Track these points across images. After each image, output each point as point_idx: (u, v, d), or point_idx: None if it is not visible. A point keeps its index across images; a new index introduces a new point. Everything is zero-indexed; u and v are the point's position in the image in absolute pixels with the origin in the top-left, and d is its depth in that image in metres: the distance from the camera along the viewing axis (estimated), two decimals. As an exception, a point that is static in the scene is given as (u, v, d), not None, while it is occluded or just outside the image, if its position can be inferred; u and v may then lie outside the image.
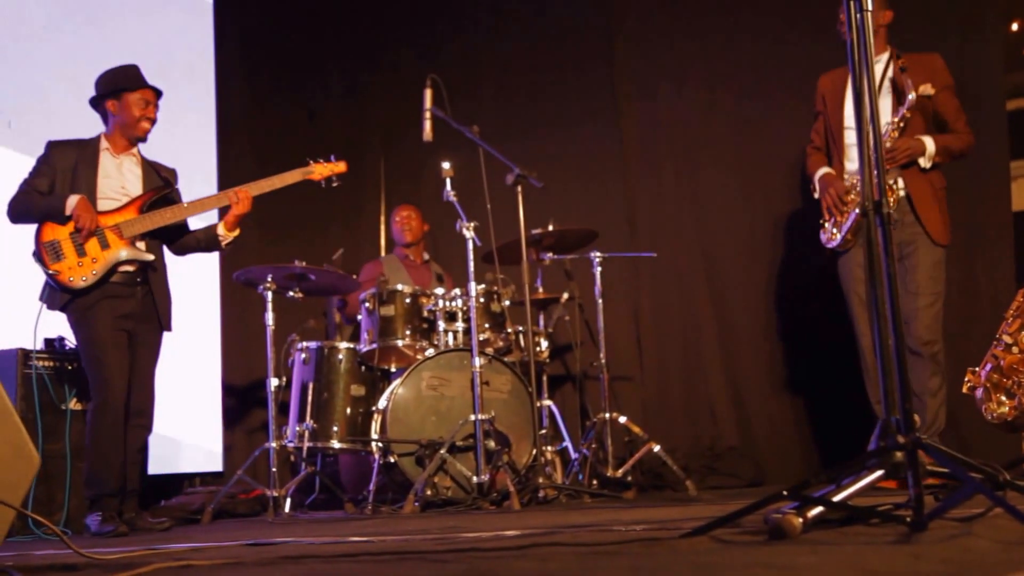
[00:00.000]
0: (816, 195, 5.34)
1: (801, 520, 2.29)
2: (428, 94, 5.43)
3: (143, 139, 5.15)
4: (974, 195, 5.86)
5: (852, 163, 5.11)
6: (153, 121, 5.15)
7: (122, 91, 5.11)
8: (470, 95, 6.89)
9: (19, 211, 4.93)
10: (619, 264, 6.39)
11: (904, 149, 5.00)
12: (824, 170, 5.29)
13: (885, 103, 5.06)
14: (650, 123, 6.95)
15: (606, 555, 2.16)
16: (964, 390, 4.54)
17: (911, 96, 4.91)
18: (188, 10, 7.72)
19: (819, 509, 2.37)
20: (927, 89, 4.92)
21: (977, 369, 4.41)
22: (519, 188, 5.54)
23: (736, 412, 6.53)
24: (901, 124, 5.00)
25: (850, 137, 5.16)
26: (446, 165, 5.39)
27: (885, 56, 5.08)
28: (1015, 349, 4.29)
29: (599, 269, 5.87)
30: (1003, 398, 4.28)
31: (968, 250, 5.85)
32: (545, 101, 7.28)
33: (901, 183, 4.97)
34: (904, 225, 5.00)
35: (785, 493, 2.47)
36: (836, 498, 2.40)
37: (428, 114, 5.41)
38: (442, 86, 5.45)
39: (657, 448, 5.47)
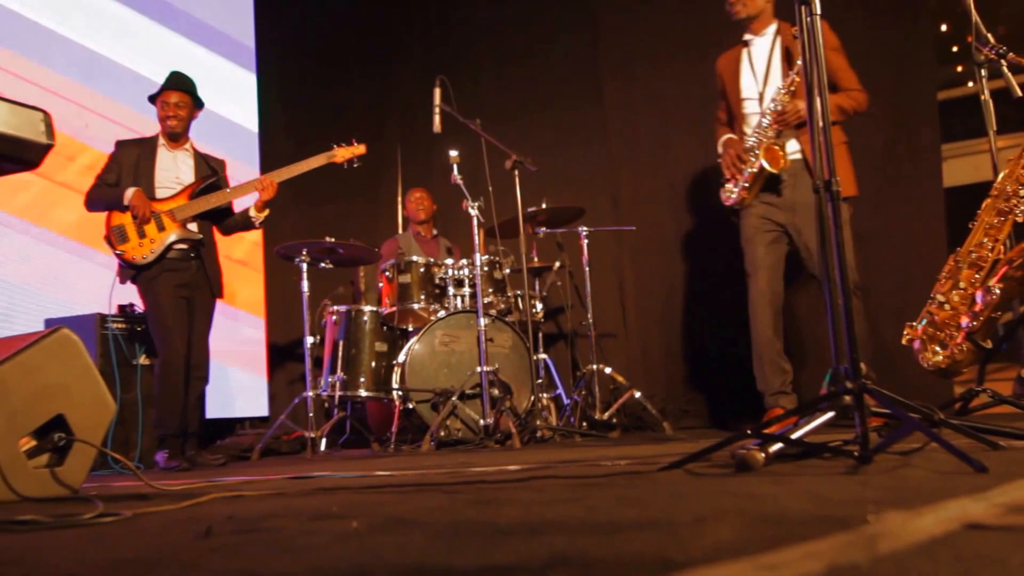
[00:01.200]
0: (719, 159, 5.04)
1: (763, 455, 2.30)
2: (437, 92, 5.43)
3: (176, 135, 5.16)
4: (910, 174, 5.84)
5: (750, 128, 4.83)
6: (178, 119, 5.14)
7: (157, 95, 5.17)
8: (472, 88, 6.87)
9: (92, 201, 5.04)
10: (603, 236, 6.38)
11: (793, 111, 4.64)
12: (727, 136, 5.00)
13: (777, 72, 4.81)
14: (630, 110, 6.93)
15: (595, 486, 2.16)
16: (903, 342, 4.53)
17: (799, 62, 4.53)
18: (231, 12, 7.68)
19: (779, 445, 2.38)
20: None
21: (914, 323, 4.39)
22: (516, 172, 5.58)
23: (705, 362, 6.53)
24: (792, 88, 4.67)
25: (747, 107, 4.90)
26: (453, 153, 5.38)
27: (773, 27, 4.89)
28: (947, 306, 4.28)
29: (586, 241, 5.88)
30: (938, 348, 4.27)
31: (906, 221, 5.83)
32: (538, 93, 7.26)
33: (794, 146, 4.75)
34: (799, 187, 4.71)
35: (749, 432, 2.48)
36: (793, 436, 2.40)
37: (437, 109, 5.41)
38: (449, 85, 5.44)
39: (638, 395, 5.47)
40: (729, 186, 4.92)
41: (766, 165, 4.68)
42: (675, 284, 6.69)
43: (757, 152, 4.72)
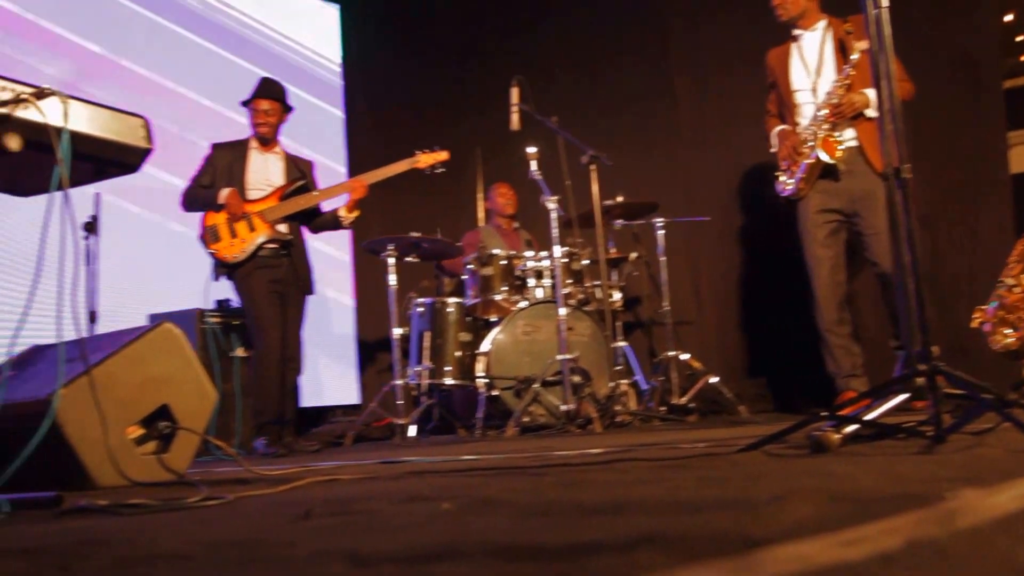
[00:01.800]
0: (773, 149, 5.06)
1: (838, 436, 2.26)
2: (515, 92, 5.43)
3: (266, 139, 5.23)
4: (978, 160, 5.69)
5: (806, 120, 4.83)
6: (269, 125, 5.21)
7: (248, 101, 5.24)
8: (549, 87, 6.85)
9: (188, 202, 5.12)
10: (678, 227, 6.31)
11: (849, 104, 4.63)
12: (780, 127, 5.01)
13: (830, 65, 4.80)
14: (699, 105, 6.86)
15: (675, 467, 2.14)
16: (973, 325, 4.42)
17: (854, 56, 4.60)
18: (318, 19, 7.78)
19: (854, 427, 2.33)
20: (863, 44, 4.62)
21: (984, 307, 4.29)
22: (592, 167, 5.56)
23: (781, 347, 6.44)
24: (847, 81, 4.66)
25: (799, 98, 4.89)
26: (531, 149, 5.37)
27: (823, 23, 4.88)
28: (1016, 289, 4.18)
29: (661, 232, 5.86)
30: (1007, 331, 4.18)
31: (975, 207, 5.68)
32: (611, 90, 7.21)
33: (850, 134, 4.71)
34: (857, 175, 4.67)
35: (824, 414, 2.44)
36: (868, 417, 2.35)
37: (515, 108, 5.41)
38: (526, 84, 5.44)
39: (714, 380, 5.44)
40: (784, 178, 4.93)
41: (823, 156, 4.68)
42: (747, 271, 6.61)
43: (813, 143, 4.72)
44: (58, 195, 2.36)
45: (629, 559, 0.93)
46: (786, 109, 4.99)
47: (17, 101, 2.22)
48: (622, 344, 5.75)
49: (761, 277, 6.57)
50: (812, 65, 4.85)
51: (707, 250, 6.75)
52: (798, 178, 4.81)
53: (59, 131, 2.27)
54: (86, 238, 4.59)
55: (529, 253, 5.90)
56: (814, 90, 4.83)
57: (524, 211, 7.07)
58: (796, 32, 4.94)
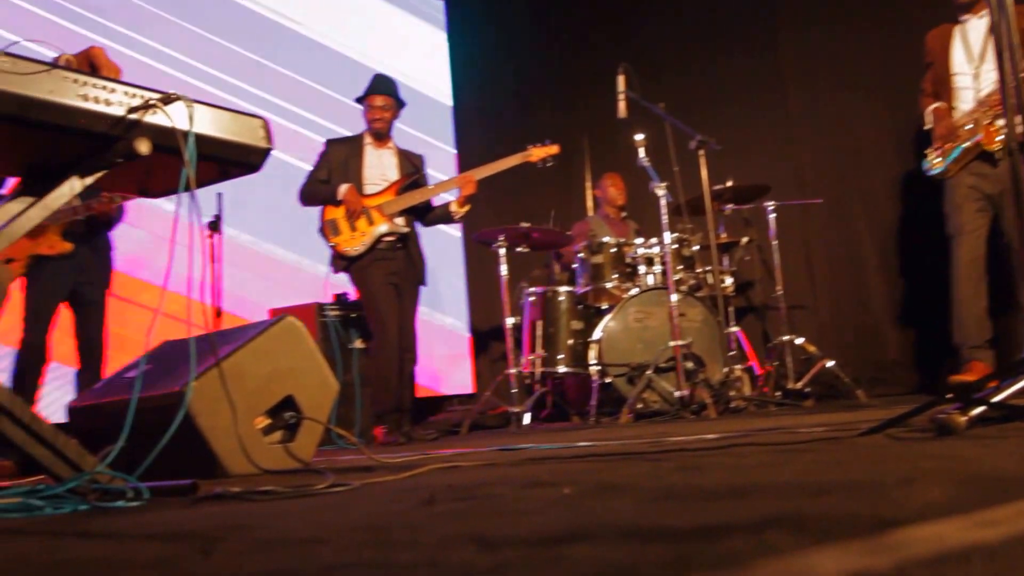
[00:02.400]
0: (927, 126, 5.05)
1: (965, 419, 2.18)
2: (621, 79, 5.40)
3: (381, 135, 5.30)
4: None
5: (965, 104, 4.85)
6: (383, 121, 5.29)
7: (363, 97, 5.32)
8: (655, 74, 6.79)
9: (306, 197, 5.23)
10: (789, 210, 6.19)
11: None
12: (935, 105, 4.99)
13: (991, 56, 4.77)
14: (809, 85, 6.71)
15: (795, 451, 2.10)
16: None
17: None
18: (425, 20, 7.86)
19: (981, 408, 2.25)
20: None
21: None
22: (701, 152, 5.50)
23: (896, 331, 6.28)
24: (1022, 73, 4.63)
25: (958, 82, 4.89)
26: (639, 136, 5.33)
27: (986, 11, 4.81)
28: None
29: (773, 216, 5.77)
30: None
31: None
32: (719, 73, 7.11)
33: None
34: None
35: (950, 396, 2.36)
36: (996, 399, 2.26)
37: (622, 96, 5.37)
38: (632, 72, 5.40)
39: (831, 364, 5.33)
40: (935, 157, 4.94)
41: (982, 143, 4.70)
42: (862, 254, 6.46)
43: (973, 128, 4.75)
44: (185, 196, 2.44)
45: (759, 541, 0.91)
46: (944, 90, 5.01)
47: (146, 107, 2.30)
48: (735, 329, 5.66)
49: (877, 258, 6.42)
50: (976, 51, 4.86)
51: (820, 232, 6.61)
52: (951, 159, 4.86)
53: (185, 134, 2.34)
54: (210, 237, 4.74)
55: (639, 240, 5.86)
56: (976, 76, 4.84)
57: (632, 199, 7.03)
58: (964, 17, 4.95)
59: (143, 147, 2.27)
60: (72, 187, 2.30)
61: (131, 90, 2.30)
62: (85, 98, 2.20)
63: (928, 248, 5.85)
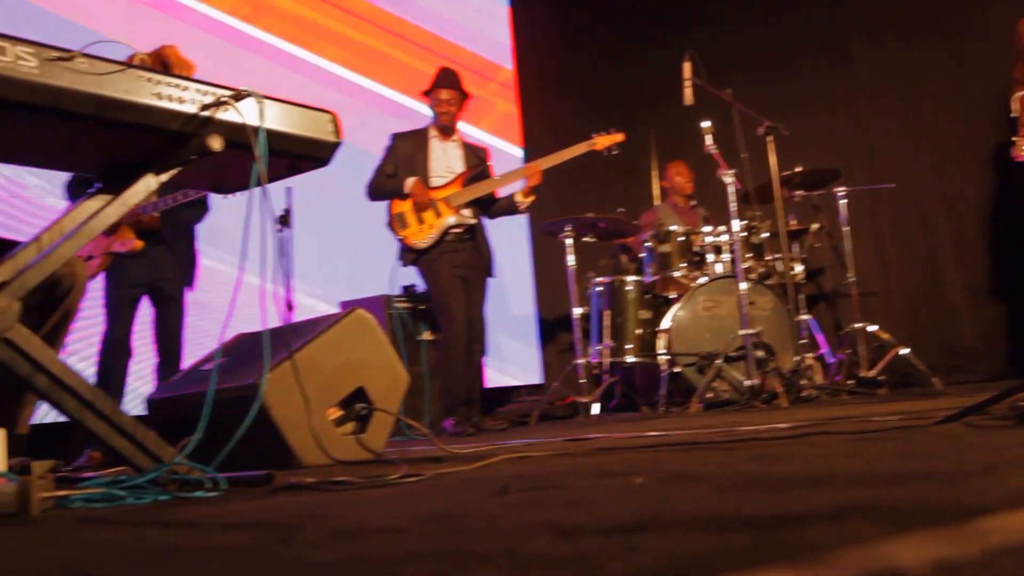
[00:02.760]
0: (1013, 115, 4.92)
1: (1048, 406, 2.12)
2: (687, 66, 5.34)
3: (448, 128, 5.32)
4: None
5: None
6: (449, 114, 5.31)
7: (430, 91, 5.34)
8: (720, 59, 6.72)
9: (373, 192, 5.29)
10: (860, 195, 6.08)
11: None
12: (1021, 93, 4.87)
13: None
14: (879, 66, 6.59)
15: (872, 440, 2.07)
16: None
17: None
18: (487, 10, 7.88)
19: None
20: None
21: None
22: (769, 137, 5.43)
23: (974, 317, 6.14)
24: None
25: None
26: (706, 123, 5.28)
27: None
28: None
29: (843, 201, 5.67)
30: None
31: None
32: (786, 57, 7.01)
33: None
34: None
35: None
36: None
37: (688, 83, 5.32)
38: (698, 58, 5.34)
39: (905, 351, 5.23)
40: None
41: None
42: (937, 239, 6.33)
43: None
44: (256, 191, 2.48)
45: (838, 529, 0.90)
46: None
47: (218, 104, 2.34)
48: (805, 317, 5.59)
49: (952, 243, 6.28)
50: None
51: (893, 217, 6.49)
52: None
53: (256, 130, 2.38)
54: (280, 231, 4.80)
55: (707, 228, 5.81)
56: None
57: (699, 186, 6.97)
58: None
59: (216, 144, 2.31)
60: (148, 184, 2.35)
61: (203, 87, 2.34)
62: (159, 96, 2.24)
63: (1009, 234, 5.73)
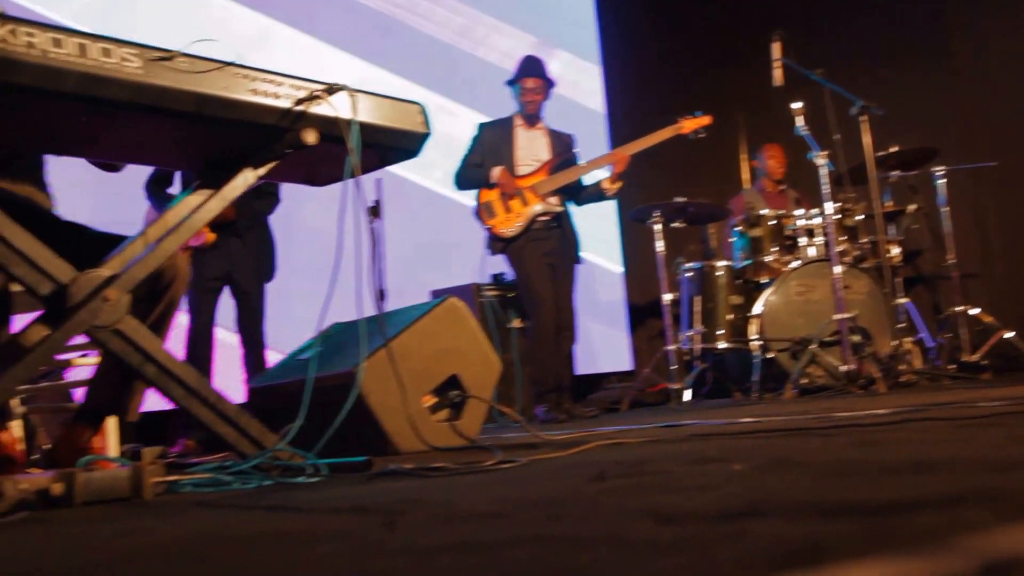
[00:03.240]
0: None
1: None
2: (776, 46, 5.24)
3: (534, 116, 5.32)
4: None
5: None
6: (535, 103, 5.31)
7: (515, 80, 5.35)
8: (809, 39, 6.59)
9: (461, 182, 5.33)
10: (959, 175, 5.91)
11: None
12: None
13: None
14: (978, 40, 6.38)
15: (979, 426, 2.01)
16: None
17: None
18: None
19: None
20: None
21: None
22: (863, 117, 5.30)
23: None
24: None
25: None
26: (796, 105, 5.17)
27: None
28: None
29: (942, 181, 5.52)
30: None
31: None
32: (879, 35, 6.84)
33: None
34: None
35: None
36: None
37: (777, 63, 5.23)
38: (788, 38, 5.24)
39: (1010, 335, 5.07)
40: None
41: None
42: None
43: None
44: (349, 183, 2.52)
45: (952, 516, 0.88)
46: None
47: (311, 98, 2.38)
48: (903, 301, 5.45)
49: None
50: None
51: (994, 197, 6.30)
52: None
53: (349, 123, 2.42)
54: (371, 221, 4.87)
55: (799, 212, 5.70)
56: None
57: (790, 169, 6.86)
58: None
59: (310, 137, 2.35)
60: (246, 179, 2.41)
61: (297, 82, 2.38)
62: (255, 92, 2.29)
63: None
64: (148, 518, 1.62)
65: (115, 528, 1.51)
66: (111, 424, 2.75)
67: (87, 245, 2.37)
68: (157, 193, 4.60)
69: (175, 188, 4.65)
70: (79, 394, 3.21)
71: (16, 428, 2.59)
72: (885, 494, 1.10)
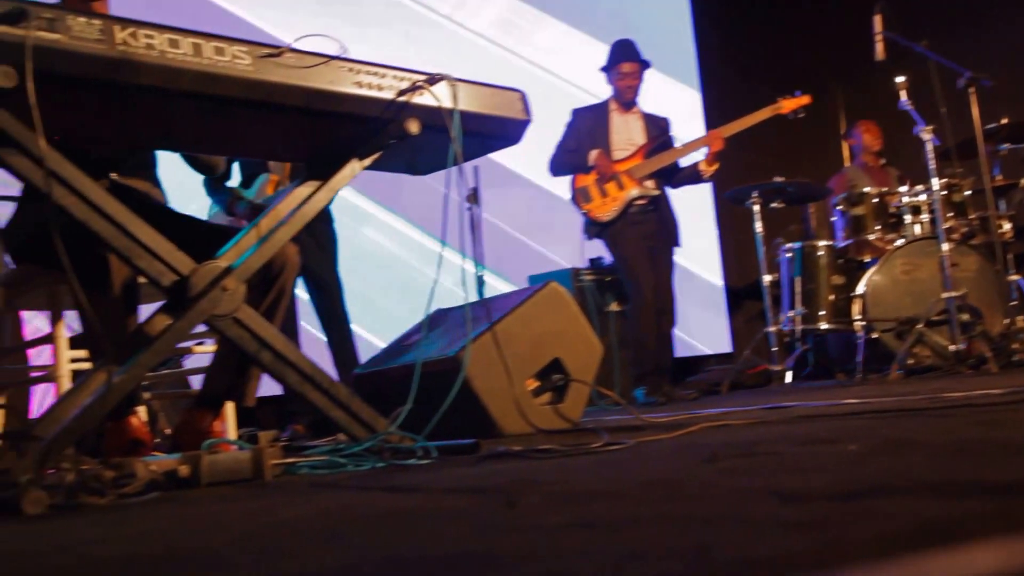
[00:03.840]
0: None
1: None
2: (878, 19, 5.11)
3: (629, 102, 5.29)
4: None
5: None
6: (632, 88, 5.27)
7: (610, 66, 5.32)
8: (914, 11, 6.41)
9: (556, 167, 5.35)
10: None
11: None
12: None
13: None
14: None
15: (1103, 405, 1.95)
16: None
17: None
18: None
19: None
20: None
21: None
22: (971, 89, 5.13)
23: None
24: None
25: None
26: (900, 79, 5.04)
27: None
28: None
29: (1055, 152, 5.33)
30: None
31: None
32: (985, 4, 6.61)
33: None
34: None
35: None
36: None
37: (879, 37, 5.10)
38: (890, 10, 5.11)
39: None
40: None
41: None
42: None
43: None
44: (452, 171, 2.56)
45: (1088, 495, 0.87)
46: None
47: (413, 89, 2.42)
48: (1016, 278, 5.28)
49: None
50: None
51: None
52: None
53: (451, 112, 2.45)
54: (470, 208, 4.90)
55: (903, 188, 5.56)
56: None
57: (895, 145, 6.69)
58: None
59: (413, 127, 2.39)
60: (353, 169, 2.46)
61: (400, 73, 2.42)
62: (360, 85, 2.34)
63: None
64: (272, 498, 1.68)
65: (243, 507, 1.57)
66: (229, 409, 2.84)
67: (200, 237, 2.45)
68: (216, 189, 4.56)
69: (232, 182, 4.63)
70: (196, 381, 3.32)
71: (142, 413, 2.70)
72: (1013, 474, 1.09)
